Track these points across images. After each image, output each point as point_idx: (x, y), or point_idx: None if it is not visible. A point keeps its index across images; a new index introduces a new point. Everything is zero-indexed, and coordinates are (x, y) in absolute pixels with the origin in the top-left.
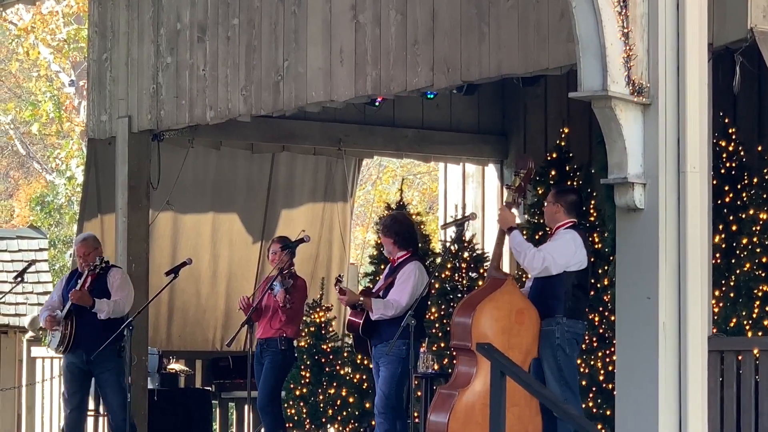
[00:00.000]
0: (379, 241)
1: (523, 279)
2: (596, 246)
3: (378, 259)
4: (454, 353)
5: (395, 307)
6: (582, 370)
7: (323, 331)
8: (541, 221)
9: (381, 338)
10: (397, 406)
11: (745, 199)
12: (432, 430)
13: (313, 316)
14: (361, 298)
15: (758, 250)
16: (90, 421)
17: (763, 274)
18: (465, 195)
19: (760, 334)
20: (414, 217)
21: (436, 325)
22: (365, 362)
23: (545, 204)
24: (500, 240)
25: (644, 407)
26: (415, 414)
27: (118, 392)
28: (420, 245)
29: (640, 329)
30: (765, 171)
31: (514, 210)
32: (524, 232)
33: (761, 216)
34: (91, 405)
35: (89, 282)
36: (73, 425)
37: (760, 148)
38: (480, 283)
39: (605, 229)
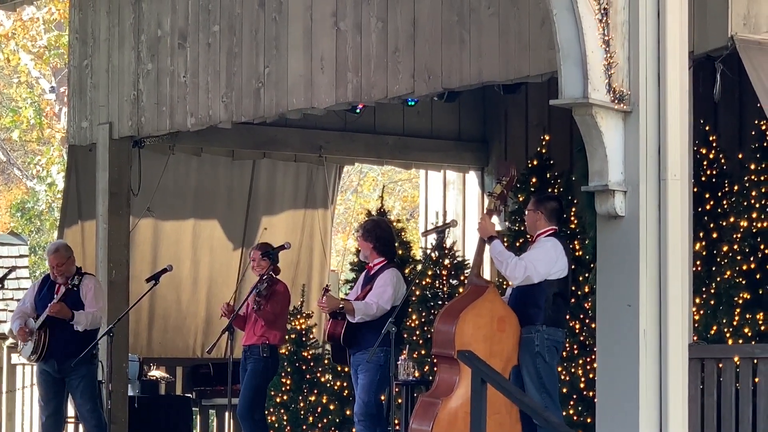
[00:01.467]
0: (359, 249)
1: (504, 286)
2: (577, 253)
3: (359, 266)
4: (436, 361)
5: (376, 307)
6: (563, 377)
7: (304, 338)
8: (522, 228)
9: (360, 346)
10: (377, 414)
11: (725, 206)
12: None
13: (293, 323)
14: (342, 303)
15: (739, 257)
16: (70, 428)
17: (744, 282)
18: (446, 202)
19: (740, 341)
20: (395, 224)
21: (417, 332)
22: (346, 369)
23: (526, 212)
24: (481, 247)
25: (625, 415)
26: (396, 421)
27: (89, 399)
28: (401, 252)
29: (621, 337)
30: (745, 179)
31: (494, 217)
32: (505, 240)
33: (742, 224)
34: (71, 412)
35: (62, 291)
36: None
37: (740, 156)
38: (460, 290)
39: (586, 237)
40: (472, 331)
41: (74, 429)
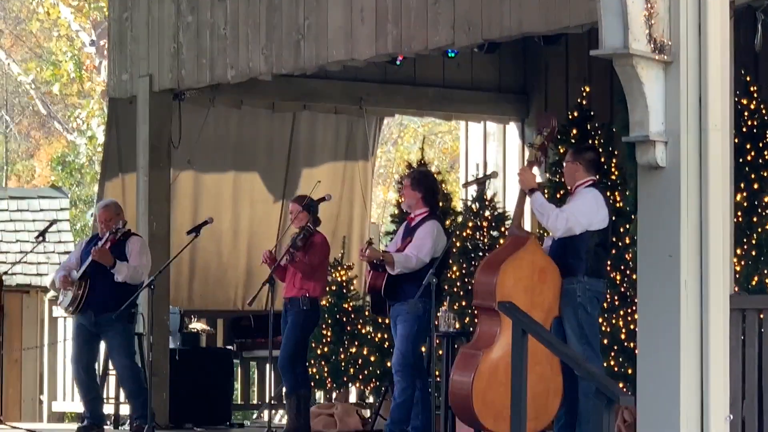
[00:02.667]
0: (400, 200)
1: (545, 236)
2: (618, 204)
3: (399, 218)
4: (476, 312)
5: (415, 260)
6: (603, 328)
7: (345, 290)
8: (563, 180)
9: (400, 298)
10: (415, 364)
11: (767, 157)
12: (456, 389)
13: (334, 275)
14: (382, 255)
15: None
16: (111, 380)
17: None
18: (486, 154)
19: None
20: (435, 175)
21: (458, 283)
22: (386, 321)
23: (564, 164)
24: (522, 199)
25: (666, 366)
26: (437, 373)
27: (126, 355)
28: (441, 204)
29: (662, 288)
30: None
31: (535, 169)
32: (545, 191)
33: None
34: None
35: (107, 246)
36: (85, 386)
37: None
38: (501, 241)
39: (627, 188)
40: (513, 283)
41: (116, 383)
